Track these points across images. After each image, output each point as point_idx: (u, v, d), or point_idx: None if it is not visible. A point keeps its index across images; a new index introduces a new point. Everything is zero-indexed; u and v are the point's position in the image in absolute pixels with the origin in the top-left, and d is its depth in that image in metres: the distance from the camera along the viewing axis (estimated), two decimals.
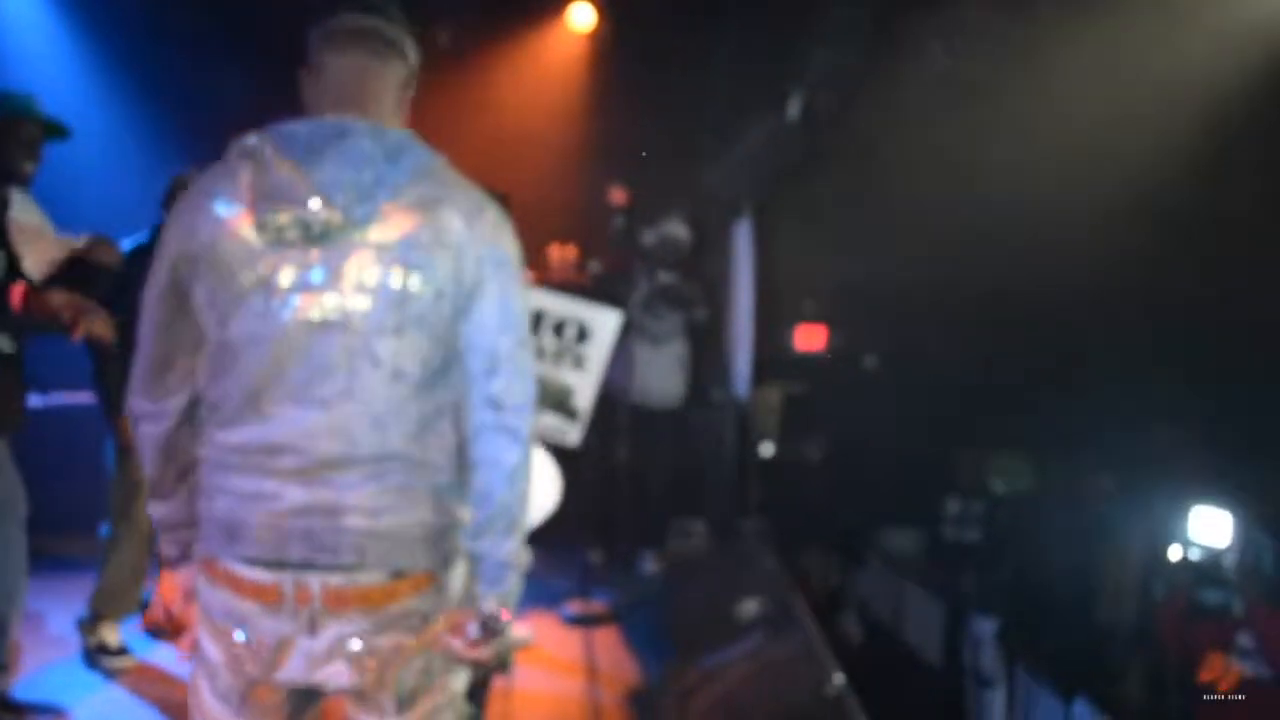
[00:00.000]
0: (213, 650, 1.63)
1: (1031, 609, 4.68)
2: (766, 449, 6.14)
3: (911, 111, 5.51)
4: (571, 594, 4.66)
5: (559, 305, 4.30)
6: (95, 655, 3.68)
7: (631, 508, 5.29)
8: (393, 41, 1.67)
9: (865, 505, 5.54)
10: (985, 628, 4.61)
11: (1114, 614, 4.53)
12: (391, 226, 1.54)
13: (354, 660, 1.60)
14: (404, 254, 1.54)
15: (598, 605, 4.64)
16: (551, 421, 4.20)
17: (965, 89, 5.35)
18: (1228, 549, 3.67)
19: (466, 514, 1.66)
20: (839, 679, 3.18)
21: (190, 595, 1.71)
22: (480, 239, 1.60)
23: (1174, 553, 3.88)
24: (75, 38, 6.12)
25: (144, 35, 6.00)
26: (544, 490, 3.50)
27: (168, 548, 1.74)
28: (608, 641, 4.36)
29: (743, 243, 5.52)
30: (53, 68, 6.00)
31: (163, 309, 1.62)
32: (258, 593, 1.58)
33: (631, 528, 5.35)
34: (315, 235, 1.53)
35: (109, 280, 3.22)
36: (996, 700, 4.52)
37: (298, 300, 1.54)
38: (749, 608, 4.00)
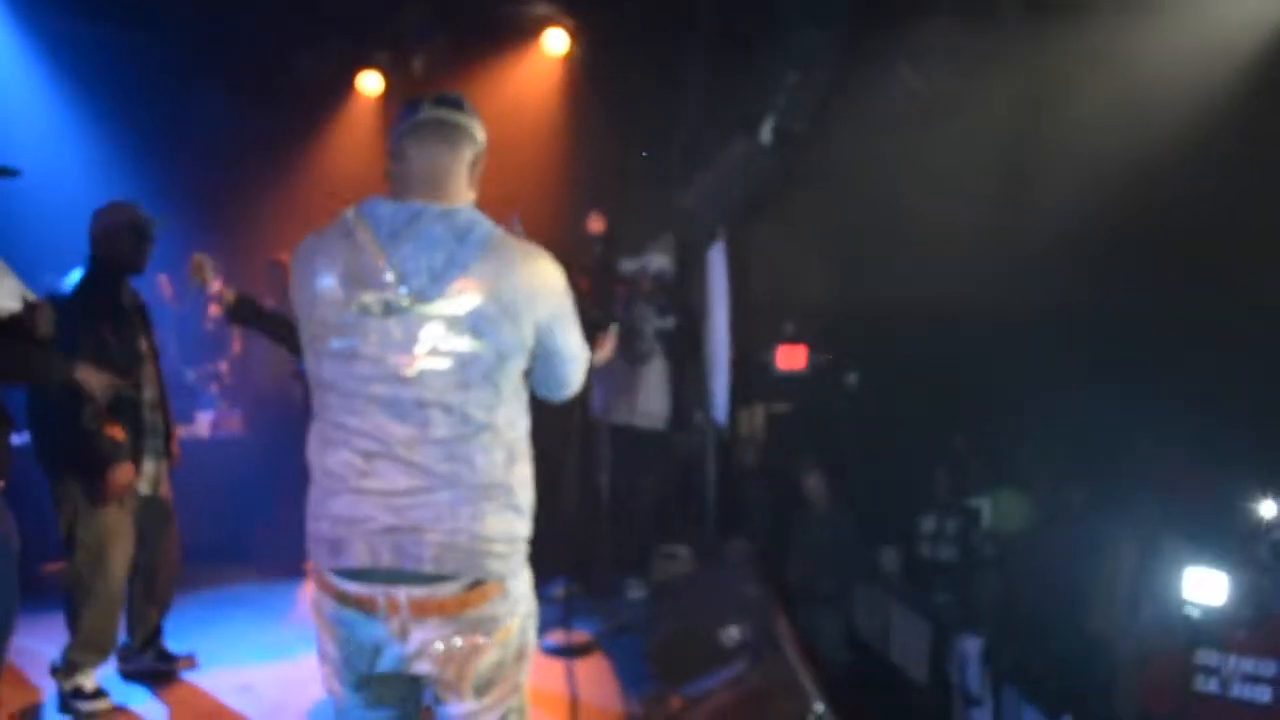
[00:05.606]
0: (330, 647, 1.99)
1: (1018, 626, 4.66)
2: (751, 470, 6.13)
3: (884, 130, 5.52)
4: (553, 624, 4.58)
5: None
6: (71, 700, 3.65)
7: (614, 533, 5.25)
8: (465, 128, 1.97)
9: (850, 524, 5.51)
10: (971, 646, 4.58)
11: (1102, 629, 4.51)
12: (461, 301, 1.84)
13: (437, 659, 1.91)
14: (473, 324, 1.85)
15: (580, 635, 4.60)
16: None
17: (937, 106, 5.37)
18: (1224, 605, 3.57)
19: (526, 527, 1.97)
20: (819, 708, 3.17)
21: None
22: (541, 305, 1.92)
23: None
24: (38, 62, 6.04)
25: (107, 61, 5.95)
26: None
27: None
28: (590, 672, 4.33)
29: (718, 266, 5.51)
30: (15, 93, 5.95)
31: None
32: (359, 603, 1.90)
33: (614, 554, 5.31)
34: (394, 310, 1.84)
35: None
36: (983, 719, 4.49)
37: (380, 361, 1.86)
38: (731, 634, 3.97)
